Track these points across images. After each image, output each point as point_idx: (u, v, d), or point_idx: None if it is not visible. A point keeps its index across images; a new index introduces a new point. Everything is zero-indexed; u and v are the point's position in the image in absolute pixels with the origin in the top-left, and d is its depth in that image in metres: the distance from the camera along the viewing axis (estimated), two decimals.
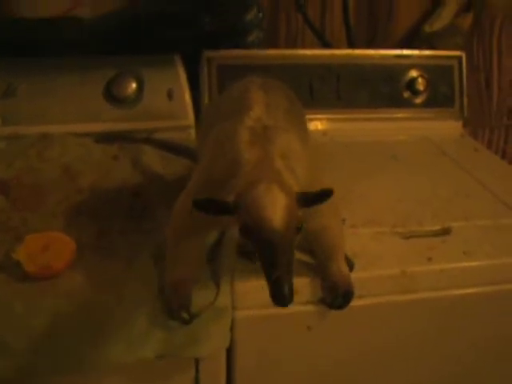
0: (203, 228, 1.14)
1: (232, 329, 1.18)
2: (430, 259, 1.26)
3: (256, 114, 1.11)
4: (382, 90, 1.95)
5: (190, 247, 1.14)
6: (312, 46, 2.21)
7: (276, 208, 0.91)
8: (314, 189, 1.00)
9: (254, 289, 1.17)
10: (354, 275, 1.20)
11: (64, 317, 1.11)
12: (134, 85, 1.77)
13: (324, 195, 0.98)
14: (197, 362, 1.23)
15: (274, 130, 1.08)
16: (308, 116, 1.82)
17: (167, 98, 1.77)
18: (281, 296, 0.88)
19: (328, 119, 1.89)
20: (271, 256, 0.89)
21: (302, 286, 1.18)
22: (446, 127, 1.99)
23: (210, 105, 1.42)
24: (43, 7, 1.76)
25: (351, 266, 1.22)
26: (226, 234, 1.28)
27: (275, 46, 2.23)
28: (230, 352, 1.23)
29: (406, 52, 1.99)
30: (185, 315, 1.11)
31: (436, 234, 1.36)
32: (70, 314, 1.11)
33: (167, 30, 1.78)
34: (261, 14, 1.81)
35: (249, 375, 1.26)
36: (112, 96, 1.76)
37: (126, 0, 1.85)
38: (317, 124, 1.88)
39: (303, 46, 2.26)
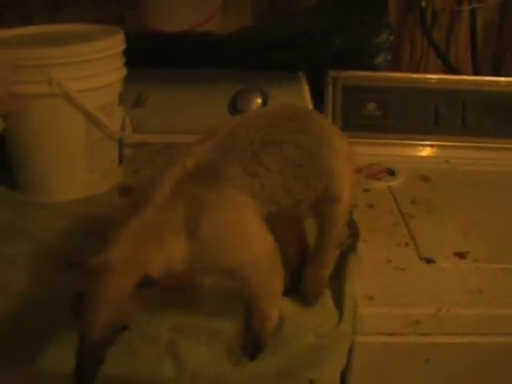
0: None
1: (349, 353, 1.18)
2: None
3: (198, 153, 1.04)
4: (508, 118, 1.89)
5: None
6: (435, 71, 2.18)
7: (97, 316, 0.88)
8: (223, 247, 0.99)
9: (375, 315, 1.17)
10: (474, 311, 1.18)
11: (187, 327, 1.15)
12: (259, 100, 1.80)
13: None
14: (310, 382, 1.23)
15: (203, 174, 1.01)
16: (431, 142, 1.84)
17: None
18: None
19: (451, 146, 1.85)
20: (80, 351, 0.88)
21: (424, 316, 1.17)
22: None
23: None
24: (178, 21, 1.82)
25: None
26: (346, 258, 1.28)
27: (398, 68, 2.22)
28: (343, 375, 1.23)
29: None
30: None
31: None
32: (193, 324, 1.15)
33: (296, 48, 1.80)
34: (391, 37, 1.79)
35: None
36: (237, 110, 1.79)
37: (254, 18, 1.90)
38: (439, 151, 1.85)
39: (426, 70, 2.24)
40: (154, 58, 1.81)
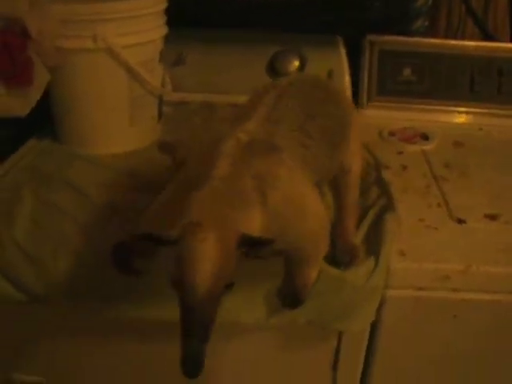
0: None
1: (380, 306, 1.22)
2: None
3: (250, 126, 1.04)
4: None
5: None
6: (472, 38, 2.18)
7: (204, 273, 0.84)
8: (287, 219, 0.99)
9: (406, 270, 1.21)
10: (502, 270, 1.21)
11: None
12: (296, 62, 1.82)
13: (265, 243, 0.90)
14: (340, 333, 1.28)
15: (261, 146, 1.01)
16: (465, 109, 1.85)
17: (327, 77, 1.81)
18: (188, 372, 0.84)
19: (485, 114, 1.86)
20: (188, 320, 0.85)
21: (454, 272, 1.20)
22: None
23: None
24: None
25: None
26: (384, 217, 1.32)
27: (435, 35, 2.21)
28: (373, 328, 1.27)
29: None
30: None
31: None
32: None
33: (335, 10, 1.81)
34: (430, 2, 1.80)
35: (388, 353, 1.30)
36: (275, 71, 1.82)
37: None
38: (473, 117, 1.86)
39: (463, 38, 2.23)
40: (194, 18, 1.84)
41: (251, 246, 0.89)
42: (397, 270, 1.20)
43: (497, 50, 1.90)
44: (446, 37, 2.23)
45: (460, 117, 1.86)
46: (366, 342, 1.29)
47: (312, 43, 1.85)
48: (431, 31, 2.19)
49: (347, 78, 1.83)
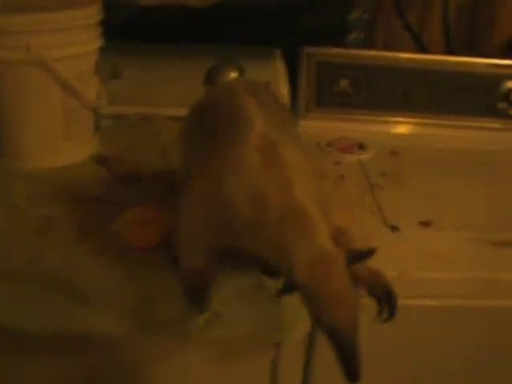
0: None
1: None
2: None
3: (259, 131, 1.01)
4: (478, 98, 1.93)
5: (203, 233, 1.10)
6: (409, 51, 2.21)
7: (350, 310, 0.92)
8: (324, 205, 0.99)
9: None
10: (435, 275, 1.24)
11: (157, 285, 1.17)
12: (233, 74, 1.82)
13: (369, 254, 0.99)
14: (277, 344, 1.27)
15: (283, 148, 1.00)
16: (401, 119, 1.88)
17: None
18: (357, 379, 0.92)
19: (421, 124, 1.90)
20: (349, 351, 0.92)
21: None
22: None
23: (190, 119, 1.28)
24: None
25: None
26: None
27: (373, 48, 2.25)
28: (311, 338, 1.27)
29: (504, 62, 1.97)
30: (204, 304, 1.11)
31: None
32: (163, 283, 1.17)
33: (270, 23, 1.82)
34: (365, 15, 1.83)
35: (327, 362, 1.28)
36: (212, 83, 1.81)
37: None
38: (409, 128, 1.89)
39: (400, 50, 2.27)
40: (129, 30, 1.82)
41: (358, 260, 0.97)
42: None
43: (430, 62, 1.95)
44: (385, 50, 2.28)
45: (396, 127, 1.89)
46: (304, 352, 1.29)
47: (249, 55, 1.85)
48: (370, 44, 2.23)
49: (285, 90, 1.84)
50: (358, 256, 0.96)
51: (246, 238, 0.98)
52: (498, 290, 1.26)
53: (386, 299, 1.10)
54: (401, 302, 1.21)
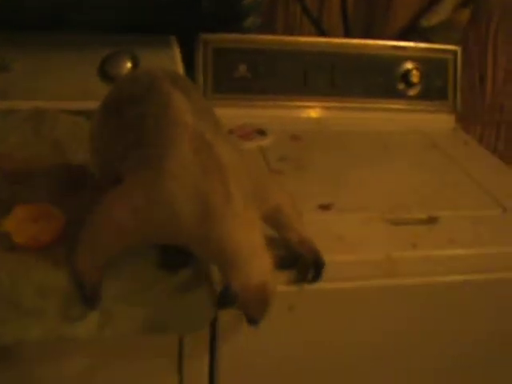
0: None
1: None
2: (415, 245, 1.27)
3: (191, 129, 1.00)
4: (377, 80, 1.95)
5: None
6: (309, 35, 2.22)
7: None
8: (261, 198, 1.06)
9: None
10: (338, 258, 1.22)
11: (50, 289, 1.12)
12: (128, 64, 1.77)
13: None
14: (180, 339, 1.24)
15: (218, 146, 0.99)
16: (302, 103, 1.87)
17: None
18: None
19: (322, 107, 1.90)
20: None
21: None
22: (438, 120, 2.00)
23: (104, 113, 1.23)
24: None
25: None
26: None
27: (273, 33, 2.24)
28: (213, 327, 1.24)
29: (401, 44, 2.00)
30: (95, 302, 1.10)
31: (423, 222, 1.37)
32: (55, 285, 1.12)
33: (164, 11, 1.78)
34: (260, 0, 1.81)
35: (231, 350, 1.28)
36: (107, 75, 1.76)
37: None
38: (310, 112, 1.89)
39: (301, 35, 2.27)
40: (16, 20, 1.74)
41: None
42: None
43: (329, 45, 1.95)
44: (285, 35, 2.27)
45: (296, 111, 1.87)
46: (207, 342, 1.26)
47: (144, 44, 1.80)
48: (270, 30, 2.22)
49: None
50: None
51: (187, 237, 1.00)
52: (403, 268, 1.26)
53: (313, 264, 1.17)
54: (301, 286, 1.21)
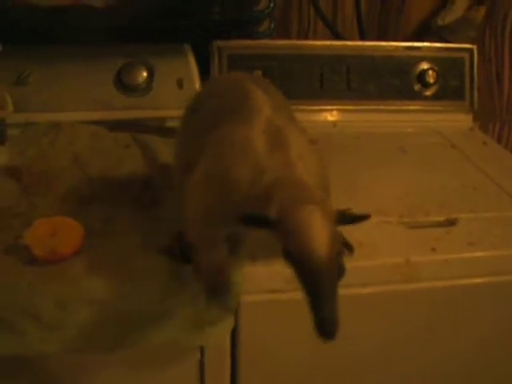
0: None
1: (237, 314, 1.19)
2: (434, 249, 1.27)
3: (266, 116, 1.06)
4: (393, 81, 1.94)
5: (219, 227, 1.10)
6: (324, 39, 2.21)
7: (322, 237, 0.88)
8: (324, 186, 1.05)
9: (258, 274, 1.19)
10: (357, 263, 1.21)
11: (69, 301, 1.13)
12: (144, 73, 1.78)
13: (362, 218, 0.96)
14: (202, 348, 1.25)
15: (287, 131, 1.04)
16: (318, 107, 1.87)
17: (177, 86, 1.78)
18: (328, 333, 0.86)
19: (338, 110, 1.90)
20: (318, 289, 0.87)
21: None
22: (455, 120, 1.99)
23: (192, 108, 1.31)
24: None
25: (351, 250, 1.23)
26: None
27: (287, 37, 2.24)
28: (234, 337, 1.24)
29: (416, 44, 1.99)
30: (226, 296, 1.13)
31: (442, 224, 1.36)
32: (74, 297, 1.13)
33: (178, 19, 1.78)
34: (272, 4, 1.81)
35: (252, 359, 1.28)
36: (123, 84, 1.77)
37: None
38: (326, 115, 1.89)
39: (315, 38, 2.27)
40: (30, 33, 1.75)
41: (350, 222, 0.96)
42: (248, 274, 1.18)
43: (345, 48, 1.95)
44: (299, 38, 2.27)
45: (313, 115, 1.87)
46: (229, 351, 1.26)
47: (159, 53, 1.81)
48: (284, 34, 2.22)
49: (198, 85, 1.80)
50: (350, 219, 0.96)
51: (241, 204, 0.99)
52: (423, 272, 1.26)
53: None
54: None
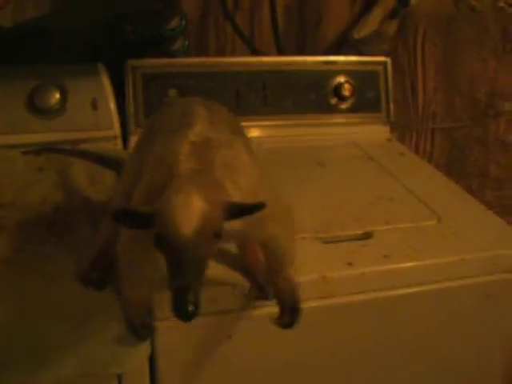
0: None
1: (153, 339, 1.17)
2: (350, 264, 1.27)
3: (199, 129, 1.07)
4: (309, 96, 1.96)
5: (143, 262, 1.08)
6: (242, 54, 2.22)
7: (188, 215, 0.87)
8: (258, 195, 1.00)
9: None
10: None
11: None
12: (57, 95, 1.74)
13: (255, 208, 0.93)
14: (119, 376, 1.21)
15: (217, 142, 1.04)
16: None
17: (91, 107, 1.75)
18: (181, 309, 0.85)
19: (255, 126, 1.90)
20: (177, 264, 0.86)
21: (222, 293, 1.18)
22: (373, 132, 2.02)
23: (149, 123, 1.33)
24: None
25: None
26: None
27: (205, 54, 2.23)
28: (152, 363, 1.21)
29: (332, 58, 2.02)
30: (145, 332, 1.11)
31: (357, 238, 1.38)
32: None
33: (90, 38, 1.75)
34: (184, 22, 1.79)
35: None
36: (35, 107, 1.73)
37: (48, 9, 1.84)
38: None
39: (233, 54, 2.27)
40: None
41: (239, 214, 0.92)
42: (164, 299, 1.15)
43: (261, 64, 1.96)
44: (217, 55, 2.26)
45: None
46: (147, 379, 1.23)
47: (72, 73, 1.77)
48: (202, 51, 2.21)
49: (113, 106, 1.78)
50: (240, 209, 0.93)
51: None
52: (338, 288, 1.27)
53: (289, 309, 1.15)
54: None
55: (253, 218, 0.93)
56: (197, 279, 0.87)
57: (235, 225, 0.95)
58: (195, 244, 0.87)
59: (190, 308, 0.85)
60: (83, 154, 1.71)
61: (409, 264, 1.30)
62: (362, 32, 2.26)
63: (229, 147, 1.05)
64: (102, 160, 1.68)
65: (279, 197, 1.12)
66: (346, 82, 1.99)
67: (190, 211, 0.88)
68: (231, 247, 1.28)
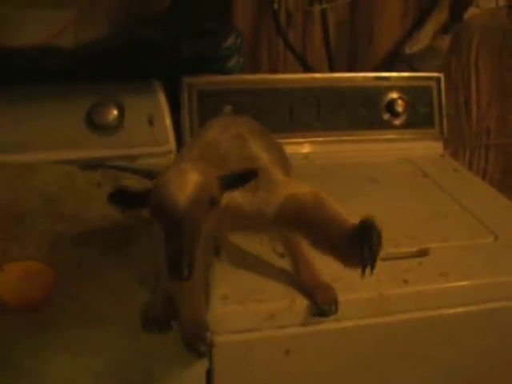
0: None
1: (210, 355, 1.18)
2: (406, 281, 1.27)
3: (212, 134, 1.15)
4: (362, 112, 1.97)
5: (198, 278, 1.10)
6: (294, 71, 2.23)
7: (183, 183, 0.93)
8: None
9: (231, 313, 1.18)
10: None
11: (48, 351, 1.11)
12: (114, 112, 1.79)
13: (248, 175, 0.98)
14: None
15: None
16: (289, 139, 1.88)
17: (148, 124, 1.79)
18: (175, 269, 0.88)
19: (308, 142, 1.91)
20: (172, 228, 0.90)
21: (280, 309, 1.19)
22: (426, 148, 2.01)
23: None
24: (23, 37, 1.77)
25: None
26: None
27: (258, 70, 2.25)
28: (209, 377, 1.23)
29: (384, 74, 2.02)
30: (203, 348, 1.12)
31: (413, 255, 1.37)
32: (54, 346, 1.11)
33: (147, 57, 1.79)
34: (239, 40, 1.82)
35: None
36: (93, 123, 1.78)
37: (108, 29, 1.88)
38: (297, 147, 1.90)
39: (285, 71, 2.28)
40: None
41: (235, 183, 0.98)
42: (221, 315, 1.18)
43: (314, 81, 1.97)
44: (270, 71, 2.28)
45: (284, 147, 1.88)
46: None
47: (129, 90, 1.82)
48: (254, 67, 2.24)
49: (168, 122, 1.81)
50: (233, 180, 0.98)
51: None
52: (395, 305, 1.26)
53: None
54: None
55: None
56: (192, 244, 0.90)
57: (247, 197, 1.03)
58: (189, 209, 0.91)
59: (185, 271, 0.88)
60: (136, 171, 1.75)
61: (466, 282, 1.29)
62: (414, 47, 2.26)
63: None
64: (152, 176, 1.71)
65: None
66: (399, 97, 1.99)
67: (184, 179, 0.94)
68: (286, 265, 1.30)
